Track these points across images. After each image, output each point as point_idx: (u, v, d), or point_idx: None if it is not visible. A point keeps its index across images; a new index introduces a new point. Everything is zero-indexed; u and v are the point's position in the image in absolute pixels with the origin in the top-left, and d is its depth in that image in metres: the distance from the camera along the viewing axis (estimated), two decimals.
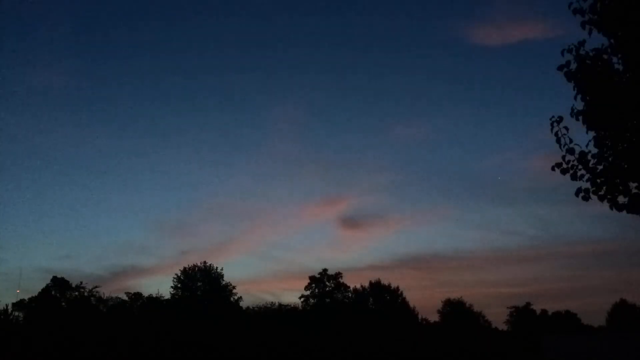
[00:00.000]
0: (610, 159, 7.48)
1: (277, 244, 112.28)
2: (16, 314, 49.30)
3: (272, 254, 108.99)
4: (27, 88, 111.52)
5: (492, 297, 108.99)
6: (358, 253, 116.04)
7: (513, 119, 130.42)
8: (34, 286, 58.27)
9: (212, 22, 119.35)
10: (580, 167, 7.61)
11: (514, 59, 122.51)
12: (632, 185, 7.34)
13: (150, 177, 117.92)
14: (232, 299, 60.45)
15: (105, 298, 55.16)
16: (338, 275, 67.19)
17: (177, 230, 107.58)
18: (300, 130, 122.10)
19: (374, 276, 73.35)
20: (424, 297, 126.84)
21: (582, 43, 7.71)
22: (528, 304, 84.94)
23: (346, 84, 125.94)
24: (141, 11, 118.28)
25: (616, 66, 7.61)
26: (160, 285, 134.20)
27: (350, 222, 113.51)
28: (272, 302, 64.91)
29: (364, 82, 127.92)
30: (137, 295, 56.71)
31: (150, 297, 56.24)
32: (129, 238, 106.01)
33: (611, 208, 7.50)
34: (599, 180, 7.49)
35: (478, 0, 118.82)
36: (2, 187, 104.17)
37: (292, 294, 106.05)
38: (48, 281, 55.71)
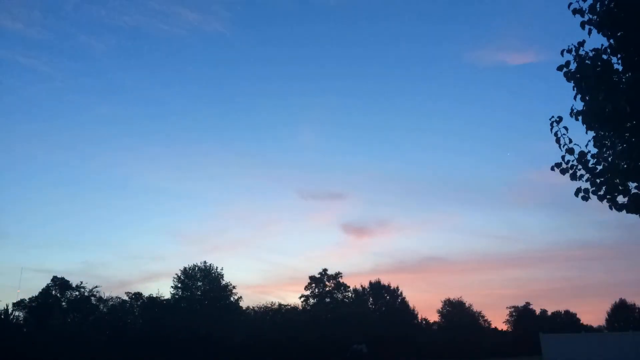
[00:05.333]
0: (609, 159, 7.47)
1: (280, 249, 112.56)
2: (16, 313, 49.30)
3: (275, 259, 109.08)
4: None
5: (492, 297, 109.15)
6: (360, 257, 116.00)
7: (512, 128, 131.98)
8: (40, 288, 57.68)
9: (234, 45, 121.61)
10: (579, 167, 7.61)
11: (514, 76, 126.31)
12: (632, 185, 7.33)
13: (164, 186, 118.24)
14: (232, 298, 60.44)
15: (105, 298, 55.02)
16: (338, 274, 67.15)
17: (185, 236, 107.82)
18: (305, 137, 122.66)
19: (375, 280, 73.22)
20: (425, 300, 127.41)
21: (581, 43, 7.69)
22: (527, 303, 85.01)
23: (349, 93, 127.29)
24: (169, 35, 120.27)
25: (615, 66, 7.61)
26: (163, 288, 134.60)
27: (353, 227, 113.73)
28: (272, 302, 64.94)
29: (366, 92, 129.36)
30: (138, 295, 56.63)
31: (150, 297, 56.20)
32: (139, 244, 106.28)
33: (611, 208, 7.50)
34: (598, 180, 7.49)
35: (478, 28, 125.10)
36: (19, 192, 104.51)
37: (295, 298, 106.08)
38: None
